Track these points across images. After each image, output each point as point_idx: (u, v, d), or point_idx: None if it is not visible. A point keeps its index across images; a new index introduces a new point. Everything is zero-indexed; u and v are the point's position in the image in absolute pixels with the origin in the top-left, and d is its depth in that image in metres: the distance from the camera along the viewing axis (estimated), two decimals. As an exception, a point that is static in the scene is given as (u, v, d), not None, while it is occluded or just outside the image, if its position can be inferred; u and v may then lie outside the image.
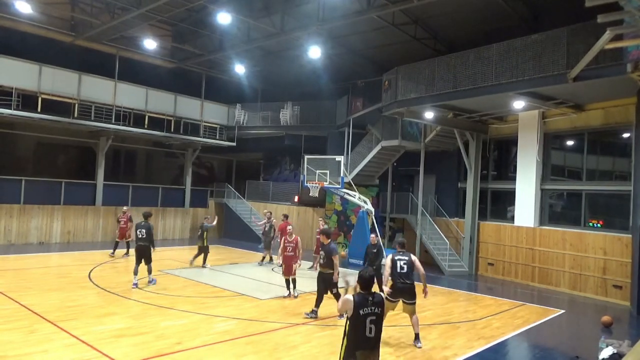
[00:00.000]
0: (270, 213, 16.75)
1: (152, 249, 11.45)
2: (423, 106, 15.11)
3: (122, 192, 20.94)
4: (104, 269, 13.35)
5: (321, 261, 9.39)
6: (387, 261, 8.18)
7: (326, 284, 9.26)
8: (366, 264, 11.26)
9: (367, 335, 4.57)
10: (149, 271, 11.56)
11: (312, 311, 9.41)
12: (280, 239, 15.74)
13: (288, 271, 10.98)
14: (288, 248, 10.97)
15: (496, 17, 14.96)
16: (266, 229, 15.94)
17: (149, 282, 11.51)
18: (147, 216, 11.80)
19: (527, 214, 15.51)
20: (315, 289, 9.56)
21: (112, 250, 15.64)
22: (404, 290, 8.00)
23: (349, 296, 4.68)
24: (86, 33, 18.25)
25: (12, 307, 8.85)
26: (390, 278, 8.13)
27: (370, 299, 4.64)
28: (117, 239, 15.78)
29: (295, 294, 11.03)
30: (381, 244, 11.85)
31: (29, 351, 6.57)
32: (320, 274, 9.45)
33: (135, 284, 11.08)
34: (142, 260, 11.32)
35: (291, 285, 11.10)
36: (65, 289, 10.64)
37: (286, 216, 15.72)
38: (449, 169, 18.89)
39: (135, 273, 11.22)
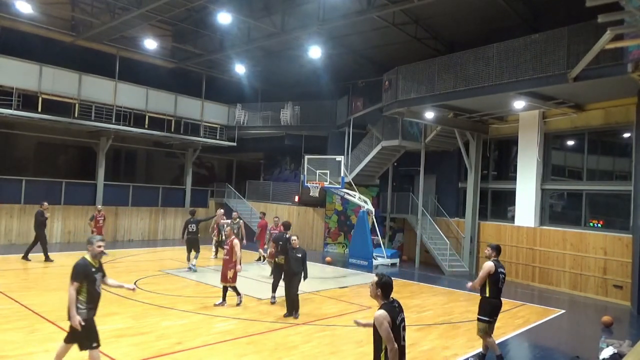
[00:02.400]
0: (237, 213, 15.51)
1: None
2: (423, 106, 15.11)
3: (123, 192, 20.95)
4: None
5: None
6: (485, 270, 7.02)
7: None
8: (287, 275, 9.49)
9: (402, 344, 4.25)
10: (196, 257, 13.61)
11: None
12: (261, 237, 15.67)
13: (223, 277, 9.82)
14: (225, 251, 9.96)
15: (496, 17, 14.96)
16: (234, 231, 14.27)
17: (192, 266, 13.51)
18: (193, 213, 14.16)
19: (527, 214, 15.50)
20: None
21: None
22: (499, 308, 7.18)
23: (382, 311, 4.17)
24: (86, 33, 18.25)
25: (13, 307, 8.86)
26: (486, 293, 7.09)
27: (396, 305, 4.32)
28: None
29: (239, 301, 9.94)
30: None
31: (29, 351, 6.58)
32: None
33: (192, 267, 13.39)
34: (192, 250, 13.57)
35: (229, 294, 9.95)
36: (66, 288, 10.57)
37: (264, 214, 15.76)
38: (449, 169, 18.88)
39: (189, 259, 13.61)
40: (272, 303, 10.16)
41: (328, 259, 17.65)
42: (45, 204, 14.72)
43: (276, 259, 10.35)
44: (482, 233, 16.92)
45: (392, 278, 4.50)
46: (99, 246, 5.57)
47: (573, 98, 13.60)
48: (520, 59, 12.40)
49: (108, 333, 7.54)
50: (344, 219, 20.96)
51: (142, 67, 21.19)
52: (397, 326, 4.19)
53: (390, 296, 4.35)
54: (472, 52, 13.56)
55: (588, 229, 14.26)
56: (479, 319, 7.11)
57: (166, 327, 8.10)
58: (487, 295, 7.06)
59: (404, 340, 4.29)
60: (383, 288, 4.29)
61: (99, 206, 16.31)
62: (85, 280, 5.40)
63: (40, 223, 14.18)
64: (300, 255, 9.42)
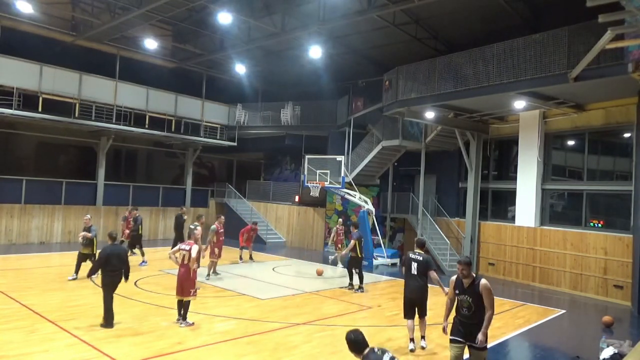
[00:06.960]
0: (202, 217, 13.08)
1: None
2: (424, 106, 15.10)
3: (123, 192, 20.95)
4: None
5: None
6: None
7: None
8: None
9: None
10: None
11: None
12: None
13: (180, 290, 8.34)
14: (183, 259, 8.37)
15: (497, 17, 14.94)
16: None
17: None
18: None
19: (527, 214, 15.49)
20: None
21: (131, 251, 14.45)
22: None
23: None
24: (87, 33, 18.25)
25: (13, 307, 8.86)
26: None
27: None
28: (126, 238, 14.94)
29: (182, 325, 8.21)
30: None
31: (29, 351, 6.57)
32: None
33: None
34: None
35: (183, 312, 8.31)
36: (66, 288, 10.65)
37: (255, 223, 16.58)
38: (449, 168, 18.87)
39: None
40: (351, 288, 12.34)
41: (319, 269, 14.83)
42: (184, 208, 16.78)
43: (352, 254, 12.29)
44: (483, 233, 16.91)
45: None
46: None
47: (573, 98, 13.58)
48: (520, 59, 12.37)
49: (108, 333, 7.56)
50: (345, 219, 20.92)
51: (143, 67, 21.17)
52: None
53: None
54: (472, 52, 13.53)
55: (588, 229, 14.24)
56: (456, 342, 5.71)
57: (166, 327, 8.09)
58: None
59: None
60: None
61: (130, 207, 16.54)
62: None
63: (179, 224, 15.70)
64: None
